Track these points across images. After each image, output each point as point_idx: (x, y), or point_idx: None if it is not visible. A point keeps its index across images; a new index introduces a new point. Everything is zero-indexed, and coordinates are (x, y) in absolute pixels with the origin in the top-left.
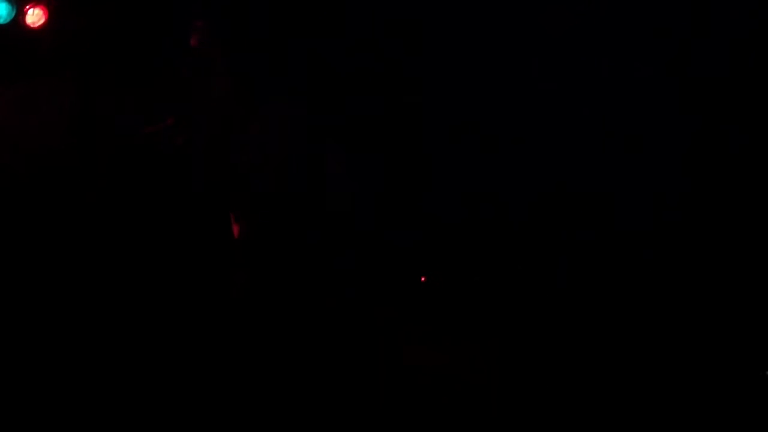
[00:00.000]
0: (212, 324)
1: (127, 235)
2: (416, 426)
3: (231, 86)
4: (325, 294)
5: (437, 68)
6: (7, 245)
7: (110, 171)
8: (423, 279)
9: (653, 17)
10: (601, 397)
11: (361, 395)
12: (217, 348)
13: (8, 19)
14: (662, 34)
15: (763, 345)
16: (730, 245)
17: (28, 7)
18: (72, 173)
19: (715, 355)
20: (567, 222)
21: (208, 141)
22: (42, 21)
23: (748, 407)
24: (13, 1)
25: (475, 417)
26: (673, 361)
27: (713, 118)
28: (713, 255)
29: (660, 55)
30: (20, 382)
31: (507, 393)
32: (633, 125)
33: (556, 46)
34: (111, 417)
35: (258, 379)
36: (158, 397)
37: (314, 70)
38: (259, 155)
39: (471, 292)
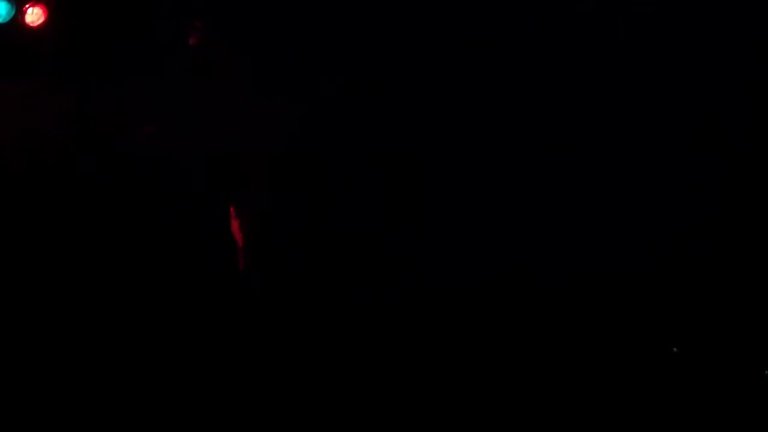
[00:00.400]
0: (211, 322)
1: (128, 233)
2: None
3: (231, 85)
4: (324, 293)
5: (439, 68)
6: (6, 245)
7: (110, 170)
8: None
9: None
10: (601, 397)
11: (359, 396)
12: (216, 347)
13: (7, 18)
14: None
15: (763, 345)
16: (730, 245)
17: (27, 6)
18: (72, 172)
19: (716, 354)
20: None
21: (208, 140)
22: (41, 20)
23: (748, 407)
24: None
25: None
26: (673, 361)
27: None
28: (713, 254)
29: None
30: (21, 382)
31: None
32: (633, 127)
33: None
34: (115, 416)
35: (257, 378)
36: (159, 397)
37: (316, 70)
38: (259, 155)
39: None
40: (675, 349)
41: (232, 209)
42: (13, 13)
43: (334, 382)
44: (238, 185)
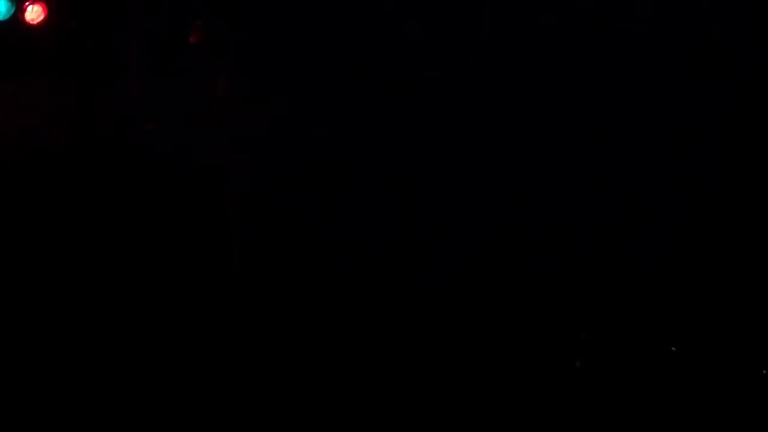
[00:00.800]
0: (207, 323)
1: (126, 233)
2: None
3: (230, 85)
4: (320, 294)
5: (439, 68)
6: (6, 244)
7: (110, 170)
8: None
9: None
10: (600, 397)
11: (356, 397)
12: (211, 347)
13: (7, 16)
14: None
15: (763, 345)
16: (730, 245)
17: (27, 3)
18: (71, 171)
19: (715, 354)
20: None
21: (208, 139)
22: (41, 18)
23: (749, 407)
24: None
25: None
26: (673, 361)
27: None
28: (713, 254)
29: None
30: (20, 382)
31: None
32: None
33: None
34: (110, 416)
35: (252, 379)
36: (153, 396)
37: (315, 69)
38: (258, 154)
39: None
40: (674, 348)
41: (230, 209)
42: (12, 10)
43: (330, 383)
44: (236, 185)
